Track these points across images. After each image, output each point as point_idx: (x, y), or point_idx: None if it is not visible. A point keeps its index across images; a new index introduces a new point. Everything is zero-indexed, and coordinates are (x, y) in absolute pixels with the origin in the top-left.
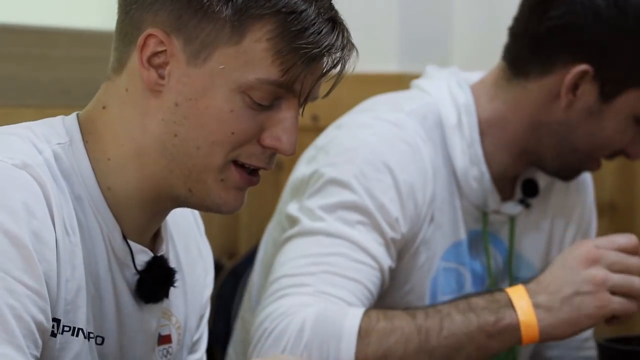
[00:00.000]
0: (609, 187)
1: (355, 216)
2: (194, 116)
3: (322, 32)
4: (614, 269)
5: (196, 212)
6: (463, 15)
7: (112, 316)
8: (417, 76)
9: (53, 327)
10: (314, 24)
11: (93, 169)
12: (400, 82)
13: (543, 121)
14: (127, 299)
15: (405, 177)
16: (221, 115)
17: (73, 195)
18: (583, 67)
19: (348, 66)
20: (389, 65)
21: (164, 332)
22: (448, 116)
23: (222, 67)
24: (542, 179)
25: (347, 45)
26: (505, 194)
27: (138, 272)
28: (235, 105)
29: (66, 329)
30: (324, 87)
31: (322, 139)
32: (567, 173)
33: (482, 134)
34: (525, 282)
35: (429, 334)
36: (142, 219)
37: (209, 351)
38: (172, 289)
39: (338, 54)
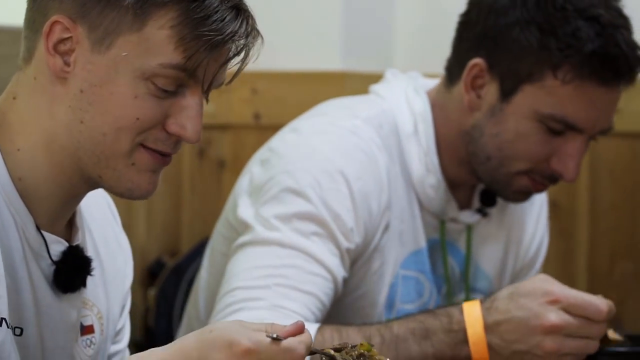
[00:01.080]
0: (552, 187)
1: (310, 227)
2: (98, 103)
3: (226, 20)
4: (571, 333)
5: (112, 204)
6: (405, 14)
7: (30, 307)
8: (359, 75)
9: None
10: (217, 11)
11: (4, 161)
12: (342, 80)
13: (463, 128)
14: (45, 289)
15: (361, 187)
16: (125, 102)
17: None
18: (476, 60)
19: (252, 53)
20: (332, 64)
21: (87, 322)
22: (404, 124)
23: (124, 54)
24: None
25: (252, 33)
26: (463, 203)
27: (54, 262)
28: (139, 92)
29: None
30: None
31: (276, 142)
32: (503, 191)
33: (439, 142)
34: (483, 300)
35: None
36: (55, 208)
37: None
38: (92, 279)
39: (242, 41)
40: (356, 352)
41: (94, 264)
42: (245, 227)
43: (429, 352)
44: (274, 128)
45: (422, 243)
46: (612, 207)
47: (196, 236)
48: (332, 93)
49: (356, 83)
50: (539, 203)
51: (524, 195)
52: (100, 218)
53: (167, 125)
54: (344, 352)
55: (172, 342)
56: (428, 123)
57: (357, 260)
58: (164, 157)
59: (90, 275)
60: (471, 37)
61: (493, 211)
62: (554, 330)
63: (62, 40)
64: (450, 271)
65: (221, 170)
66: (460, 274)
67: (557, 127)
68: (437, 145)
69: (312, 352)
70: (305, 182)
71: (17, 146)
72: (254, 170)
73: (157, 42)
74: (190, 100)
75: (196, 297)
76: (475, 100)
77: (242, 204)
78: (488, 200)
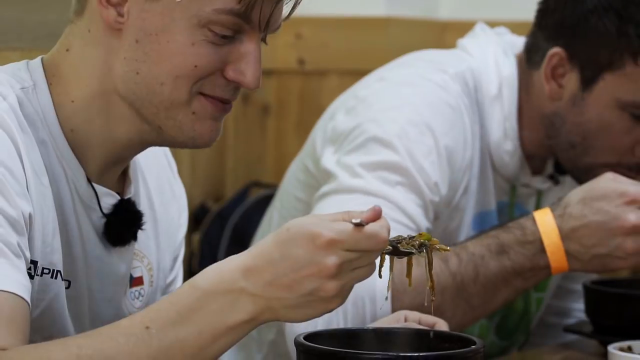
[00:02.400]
0: None
1: (395, 176)
2: (155, 52)
3: None
4: None
5: (168, 153)
6: None
7: (80, 259)
8: (403, 20)
9: (29, 269)
10: None
11: (56, 112)
12: (387, 25)
13: (544, 112)
14: (95, 242)
15: (447, 142)
16: (183, 50)
17: (38, 139)
18: (555, 50)
19: None
20: (376, 9)
21: (136, 274)
22: (490, 86)
23: (178, 0)
24: None
25: None
26: (536, 168)
27: (104, 215)
28: (196, 39)
29: (45, 271)
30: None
31: (362, 89)
32: (585, 179)
33: (520, 110)
34: (553, 208)
35: (465, 281)
36: (107, 160)
37: None
38: (143, 230)
39: None
40: (417, 242)
41: (145, 217)
42: (328, 175)
43: (507, 265)
44: (318, 73)
45: (492, 205)
46: None
47: (240, 181)
48: (376, 39)
49: (400, 29)
50: None
51: None
52: (156, 166)
53: (226, 71)
54: (404, 242)
55: (249, 248)
56: (513, 89)
57: (438, 217)
58: (224, 105)
59: (141, 229)
60: (549, 25)
61: (567, 179)
62: (635, 230)
63: None
64: None
65: (265, 115)
66: None
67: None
68: (518, 113)
69: None
70: (393, 132)
71: (71, 98)
72: (338, 117)
73: None
74: (248, 46)
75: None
76: (557, 90)
77: (326, 151)
78: (562, 167)
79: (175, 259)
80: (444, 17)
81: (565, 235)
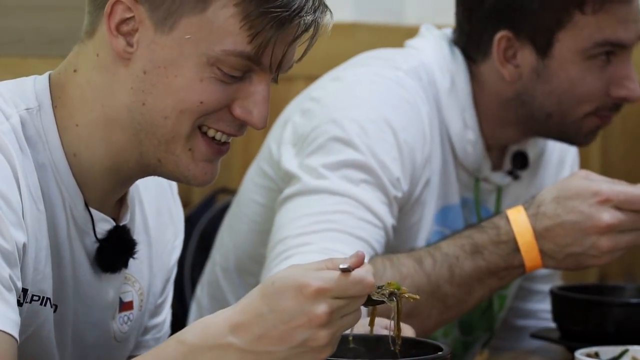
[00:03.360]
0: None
1: (359, 174)
2: (162, 84)
3: None
4: (625, 228)
5: None
6: None
7: (69, 284)
8: (370, 26)
9: (19, 297)
10: None
11: (60, 136)
12: (353, 31)
13: (505, 97)
14: (86, 266)
15: (406, 137)
16: (190, 85)
17: (37, 162)
18: (500, 34)
19: (322, 29)
20: (343, 15)
21: (127, 299)
22: (443, 80)
23: (188, 37)
24: (532, 152)
25: (320, 7)
26: (495, 164)
27: (98, 240)
28: (204, 76)
29: (35, 298)
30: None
31: (317, 91)
32: (574, 138)
33: (475, 100)
34: (527, 206)
35: (440, 281)
36: (107, 187)
37: None
38: (137, 255)
39: (310, 17)
40: (387, 291)
41: (140, 241)
42: (291, 178)
43: (482, 265)
44: (285, 79)
45: (456, 199)
46: (623, 158)
47: (207, 188)
48: (343, 44)
49: (367, 34)
50: (570, 164)
51: (593, 135)
52: (155, 187)
53: (233, 108)
54: (373, 291)
55: (235, 304)
56: (465, 81)
57: (399, 211)
58: (220, 147)
59: (133, 258)
60: (485, 15)
61: (524, 174)
62: (609, 229)
63: (125, 21)
64: None
65: None
66: None
67: (604, 51)
68: (473, 104)
69: None
70: (352, 131)
71: (75, 121)
72: (295, 119)
73: (222, 23)
74: (257, 86)
75: (224, 245)
76: (514, 71)
77: (286, 154)
78: (519, 162)
79: (167, 281)
80: (410, 23)
81: (539, 235)
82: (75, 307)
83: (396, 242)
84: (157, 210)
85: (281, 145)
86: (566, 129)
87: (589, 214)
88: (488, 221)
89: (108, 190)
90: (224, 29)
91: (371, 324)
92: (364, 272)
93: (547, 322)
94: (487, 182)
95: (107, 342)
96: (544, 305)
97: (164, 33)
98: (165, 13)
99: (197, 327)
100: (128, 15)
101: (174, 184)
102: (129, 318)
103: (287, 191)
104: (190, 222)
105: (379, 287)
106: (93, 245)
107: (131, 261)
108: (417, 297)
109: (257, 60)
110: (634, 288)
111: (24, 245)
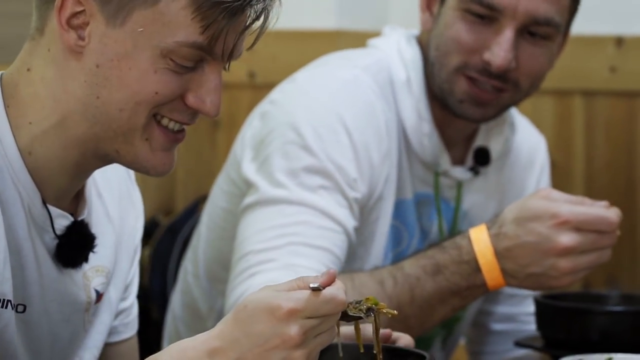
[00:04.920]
0: (547, 145)
1: (315, 180)
2: (116, 77)
3: None
4: (585, 249)
5: None
6: None
7: (35, 283)
8: (355, 33)
9: None
10: None
11: (14, 135)
12: (337, 38)
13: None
14: (49, 264)
15: (361, 137)
16: (145, 77)
17: None
18: None
19: (271, 17)
20: (326, 22)
21: (102, 290)
22: (397, 72)
23: (140, 29)
24: (496, 148)
25: None
26: (457, 159)
27: (57, 236)
28: (158, 67)
29: None
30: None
31: (275, 93)
32: (452, 103)
33: (430, 90)
34: (489, 225)
35: (401, 303)
36: (64, 182)
37: (146, 308)
38: (102, 243)
39: (260, 5)
40: (364, 307)
41: (105, 230)
42: (249, 185)
43: (443, 285)
44: (269, 87)
45: (409, 194)
46: (607, 166)
47: (190, 195)
48: (327, 52)
49: (350, 42)
50: (540, 166)
51: (469, 105)
52: (113, 175)
53: (187, 98)
54: (351, 306)
55: (210, 330)
56: (418, 71)
57: (361, 211)
58: (176, 135)
59: (93, 252)
60: None
61: (489, 171)
62: (567, 251)
63: (75, 14)
64: (441, 226)
65: (216, 129)
66: (448, 229)
67: (480, 11)
68: (430, 94)
69: None
70: (307, 134)
71: (29, 119)
72: (254, 123)
73: (174, 16)
74: (209, 75)
75: (195, 253)
76: (428, 19)
77: (245, 158)
78: (481, 158)
79: (131, 262)
80: None
81: (500, 254)
82: (46, 305)
83: (358, 240)
84: (119, 197)
85: (243, 148)
86: (444, 87)
87: (547, 236)
88: (450, 241)
89: (65, 185)
90: (176, 21)
91: (358, 339)
92: (334, 290)
93: (525, 325)
94: (447, 177)
95: (80, 337)
96: (524, 308)
97: (116, 27)
98: (117, 7)
99: (174, 350)
100: (78, 9)
101: (131, 170)
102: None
103: (247, 200)
104: (173, 230)
105: (357, 302)
106: (53, 242)
107: (101, 252)
108: (395, 312)
109: (209, 50)
110: (617, 296)
111: None
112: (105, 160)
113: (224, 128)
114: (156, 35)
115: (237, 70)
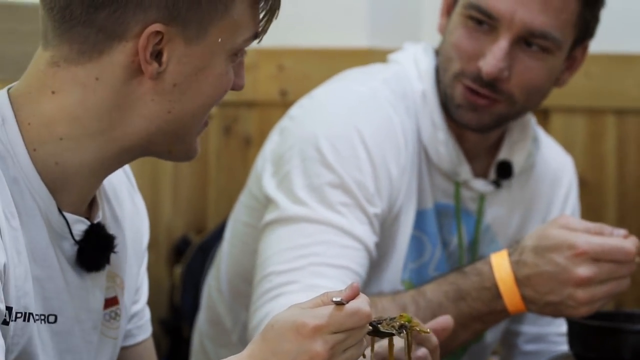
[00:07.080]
0: (579, 163)
1: (335, 196)
2: (194, 90)
3: None
4: (603, 280)
5: (127, 168)
6: None
7: (63, 291)
8: (386, 51)
9: (5, 315)
10: None
11: (33, 148)
12: (369, 57)
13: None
14: (70, 271)
15: (379, 152)
16: (220, 80)
17: (9, 177)
18: None
19: None
20: (359, 41)
21: (110, 295)
22: (414, 84)
23: (219, 40)
24: (519, 162)
25: None
26: (479, 172)
27: (77, 242)
28: (228, 67)
29: (19, 315)
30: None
31: (295, 109)
32: (452, 108)
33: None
34: (510, 251)
35: None
36: (86, 189)
37: (177, 328)
38: (116, 253)
39: None
40: (397, 324)
41: (114, 234)
42: (269, 201)
43: (465, 311)
44: None
45: (429, 204)
46: (639, 184)
47: (222, 213)
48: None
49: (382, 60)
50: (567, 184)
51: (466, 110)
52: (116, 181)
53: (234, 84)
54: (384, 322)
55: (241, 352)
56: (432, 80)
57: (383, 224)
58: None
59: (114, 252)
60: None
61: (513, 185)
62: (584, 282)
63: (154, 45)
64: (461, 238)
65: (247, 147)
66: (470, 241)
67: (479, 17)
68: (443, 104)
69: None
70: (326, 151)
71: (59, 135)
72: (274, 138)
73: (241, 16)
74: (242, 58)
75: (218, 269)
76: (444, 25)
77: (265, 173)
78: (504, 172)
79: (140, 266)
80: None
81: (520, 282)
82: (76, 313)
83: (379, 253)
84: (122, 202)
85: (264, 163)
86: (446, 91)
87: (565, 267)
88: (471, 267)
89: (87, 190)
90: (243, 21)
91: (390, 356)
92: (358, 303)
93: (556, 345)
94: (469, 190)
95: (105, 341)
96: (553, 329)
97: (196, 44)
98: (197, 27)
99: None
100: (157, 39)
101: (132, 175)
102: (116, 313)
103: (267, 217)
104: (204, 249)
105: (391, 319)
106: (72, 249)
107: (113, 256)
108: (429, 331)
109: (256, 37)
110: None
111: (5, 266)
112: (137, 157)
113: (256, 146)
114: (230, 40)
115: (269, 88)
